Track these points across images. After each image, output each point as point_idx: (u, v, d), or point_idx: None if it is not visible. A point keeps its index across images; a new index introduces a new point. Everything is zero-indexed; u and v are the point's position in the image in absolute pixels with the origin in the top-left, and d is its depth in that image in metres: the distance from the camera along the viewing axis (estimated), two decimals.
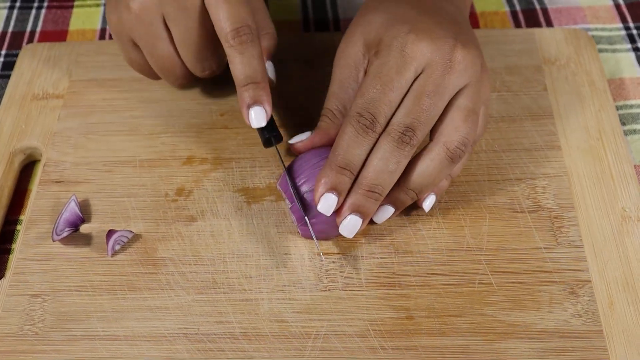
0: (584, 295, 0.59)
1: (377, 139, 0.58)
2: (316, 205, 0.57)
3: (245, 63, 0.60)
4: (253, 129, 0.62)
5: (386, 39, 0.59)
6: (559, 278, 0.60)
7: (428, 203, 0.62)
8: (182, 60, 0.66)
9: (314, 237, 0.60)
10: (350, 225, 0.58)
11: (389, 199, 0.60)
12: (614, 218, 0.63)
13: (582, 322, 0.57)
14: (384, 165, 0.57)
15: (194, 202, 0.65)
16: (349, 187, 0.58)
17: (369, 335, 0.57)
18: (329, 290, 0.59)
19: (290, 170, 0.61)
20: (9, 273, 0.61)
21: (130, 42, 0.65)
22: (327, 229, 0.60)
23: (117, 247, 0.62)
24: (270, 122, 0.63)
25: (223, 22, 0.60)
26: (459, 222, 0.63)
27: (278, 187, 0.63)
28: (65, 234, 0.62)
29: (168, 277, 0.60)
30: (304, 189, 0.60)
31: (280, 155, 0.63)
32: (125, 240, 0.62)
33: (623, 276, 0.60)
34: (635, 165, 0.68)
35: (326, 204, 0.57)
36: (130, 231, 0.62)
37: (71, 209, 0.63)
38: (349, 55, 0.63)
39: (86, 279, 0.61)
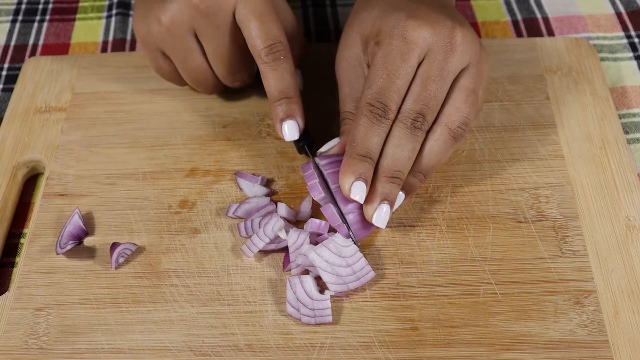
0: (589, 305, 0.58)
1: (391, 126, 0.59)
2: (348, 196, 0.58)
3: (278, 79, 0.62)
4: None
5: (385, 28, 0.60)
6: (564, 288, 0.59)
7: None
8: (214, 72, 0.67)
9: (352, 234, 0.60)
10: (383, 214, 0.58)
11: None
12: (618, 227, 0.63)
13: (588, 332, 0.57)
14: (401, 151, 0.58)
15: (197, 214, 0.65)
16: (372, 175, 0.58)
17: (374, 347, 0.57)
18: (333, 301, 0.59)
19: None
20: (13, 286, 0.61)
21: (160, 53, 0.66)
22: (357, 231, 0.60)
23: (121, 260, 0.62)
24: (305, 130, 0.64)
25: (256, 39, 0.62)
26: (462, 233, 0.63)
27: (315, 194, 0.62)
28: (69, 247, 0.62)
29: (172, 290, 0.60)
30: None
31: (312, 159, 0.64)
32: (128, 253, 0.62)
33: (628, 285, 0.60)
34: (638, 174, 0.68)
35: (358, 191, 0.58)
36: (134, 244, 0.62)
37: (75, 222, 0.63)
38: (350, 55, 0.64)
39: (90, 292, 0.61)
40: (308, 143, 0.66)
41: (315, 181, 0.61)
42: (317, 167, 0.62)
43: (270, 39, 0.62)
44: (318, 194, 0.61)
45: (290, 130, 0.63)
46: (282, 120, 0.63)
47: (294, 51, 0.67)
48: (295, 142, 0.66)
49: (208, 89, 0.69)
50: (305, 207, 0.64)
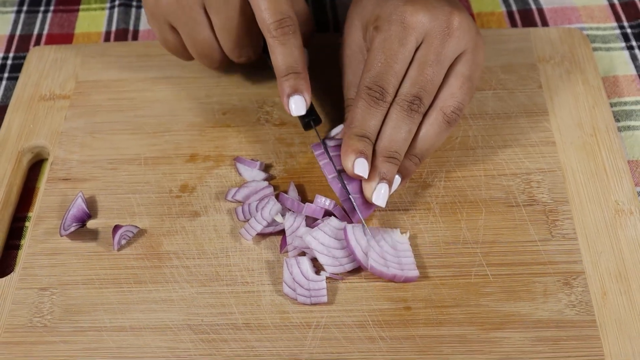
0: (577, 286, 0.60)
1: (388, 109, 0.60)
2: (352, 173, 0.59)
3: (286, 54, 0.62)
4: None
5: (384, 14, 0.62)
6: (553, 270, 0.61)
7: None
8: (220, 46, 0.67)
9: (359, 213, 0.61)
10: (382, 193, 0.60)
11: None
12: (607, 211, 0.64)
13: (576, 312, 0.59)
14: (397, 133, 0.60)
15: (197, 198, 0.66)
16: (371, 155, 0.60)
17: (368, 326, 0.58)
18: (329, 282, 0.61)
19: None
20: (18, 267, 0.63)
21: (167, 25, 0.66)
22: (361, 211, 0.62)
23: (123, 242, 0.64)
24: (309, 106, 0.64)
25: (265, 13, 0.61)
26: (455, 216, 0.64)
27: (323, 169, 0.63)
28: (72, 230, 0.64)
29: (172, 271, 0.62)
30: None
31: (320, 138, 0.65)
32: (130, 235, 0.64)
33: (616, 267, 0.61)
34: (628, 161, 0.70)
35: (360, 167, 0.59)
36: (136, 226, 0.64)
37: (78, 205, 0.65)
38: (352, 42, 0.65)
39: (93, 272, 0.62)
40: (314, 119, 0.65)
41: (327, 160, 0.62)
42: (326, 146, 0.63)
43: (279, 13, 0.61)
44: (330, 173, 0.62)
45: (297, 106, 0.62)
46: (289, 96, 0.62)
47: (302, 28, 0.66)
48: (301, 118, 0.65)
49: (214, 63, 0.69)
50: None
